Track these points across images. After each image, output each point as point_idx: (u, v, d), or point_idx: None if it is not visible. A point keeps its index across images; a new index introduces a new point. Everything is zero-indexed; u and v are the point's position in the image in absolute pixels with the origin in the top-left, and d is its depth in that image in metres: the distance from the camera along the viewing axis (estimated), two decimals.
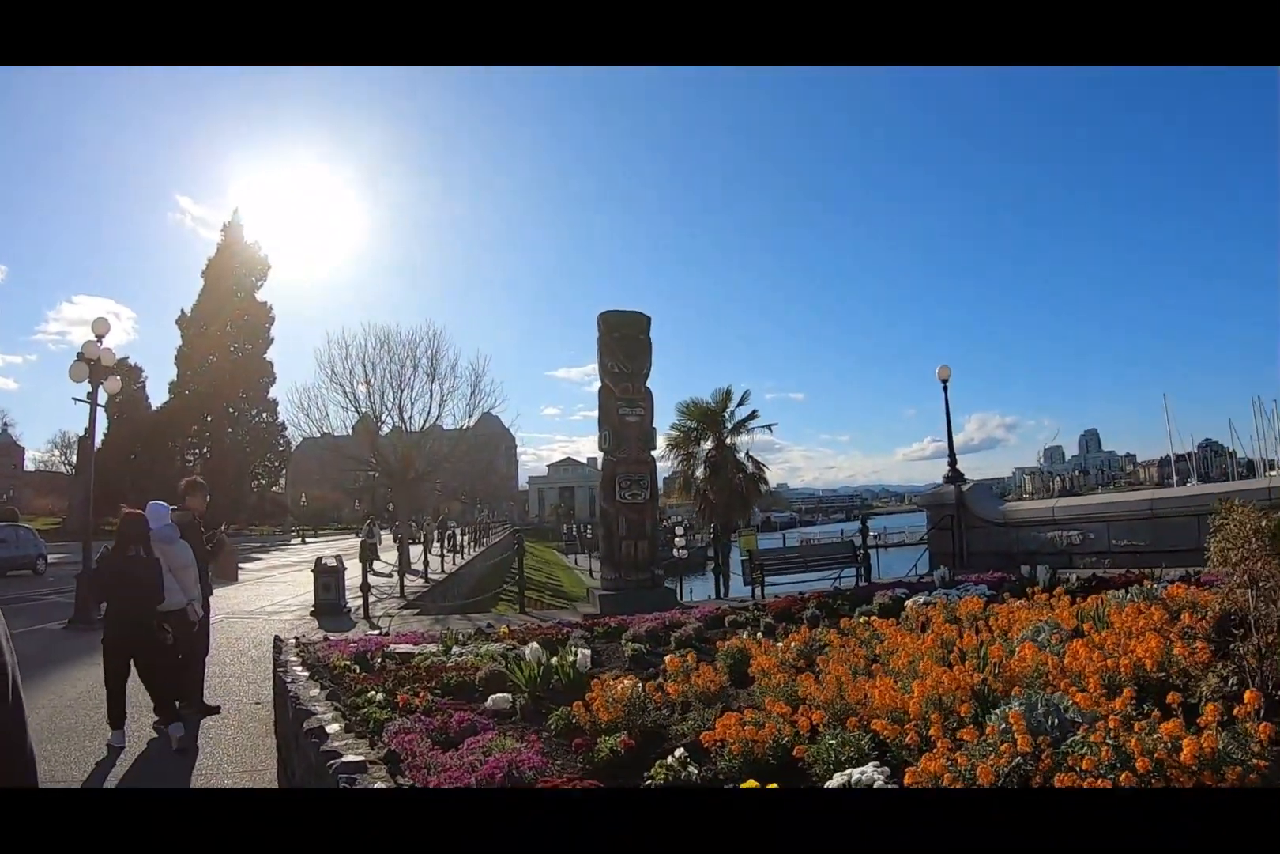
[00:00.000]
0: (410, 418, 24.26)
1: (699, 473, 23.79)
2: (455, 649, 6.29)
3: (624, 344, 13.56)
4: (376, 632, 8.50)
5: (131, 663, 6.25)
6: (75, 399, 13.68)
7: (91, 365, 13.16)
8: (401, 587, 16.12)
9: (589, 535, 61.40)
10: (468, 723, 3.42)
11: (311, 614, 12.83)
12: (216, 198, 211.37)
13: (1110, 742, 2.54)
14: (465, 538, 32.75)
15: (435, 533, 29.51)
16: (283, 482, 61.99)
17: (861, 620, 5.78)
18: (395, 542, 19.76)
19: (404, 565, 16.47)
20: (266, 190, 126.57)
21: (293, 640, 7.04)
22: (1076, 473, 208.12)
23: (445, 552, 26.70)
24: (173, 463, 51.43)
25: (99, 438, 52.32)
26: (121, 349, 57.71)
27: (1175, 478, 77.23)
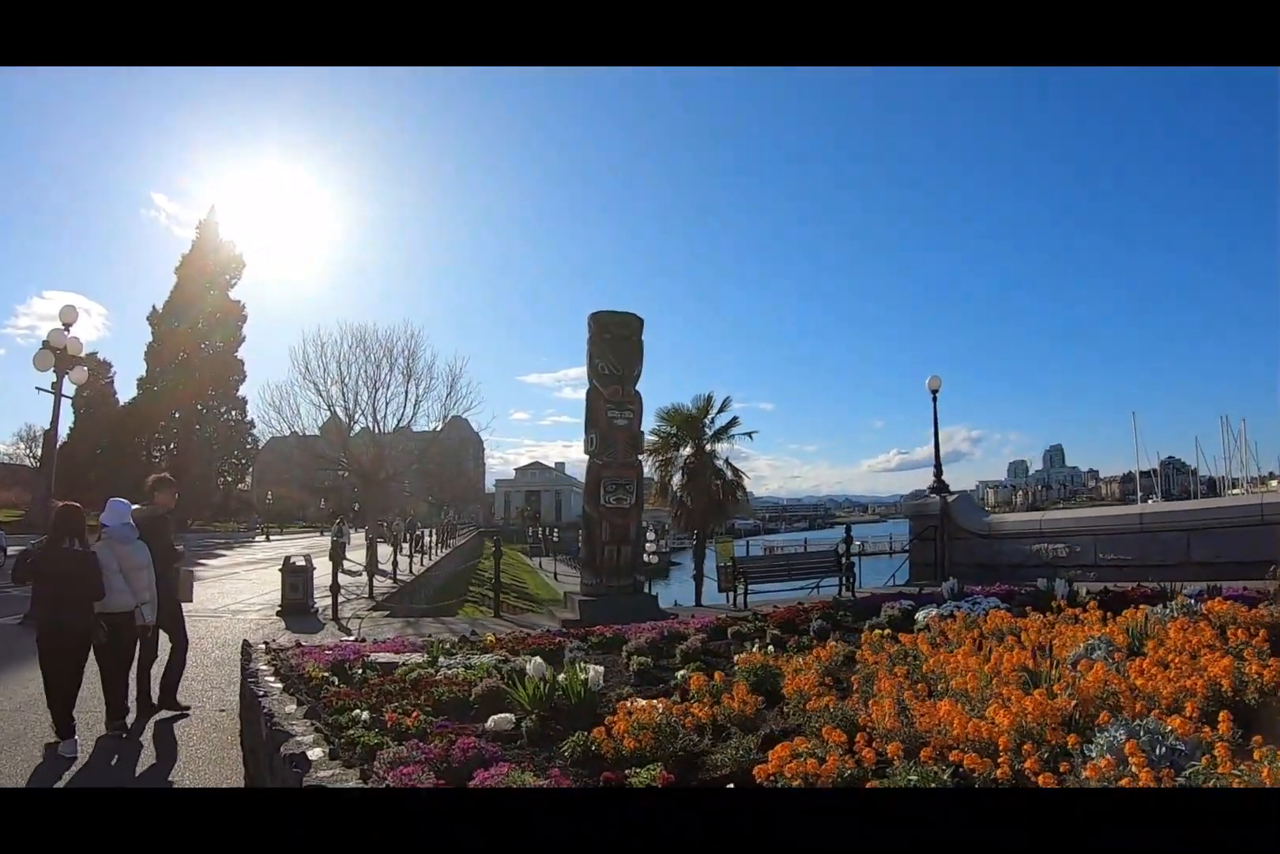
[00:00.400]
0: (384, 418, 23.70)
1: (676, 479, 23.31)
2: (442, 660, 5.82)
3: (615, 345, 13.11)
4: (351, 638, 7.99)
5: (73, 665, 5.68)
6: (39, 388, 12.98)
7: (57, 354, 12.52)
8: (371, 587, 15.53)
9: (554, 538, 60.80)
10: (473, 751, 2.95)
11: (278, 614, 12.18)
12: (192, 195, 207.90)
13: (1239, 773, 2.19)
14: (433, 539, 32.10)
15: (403, 533, 28.83)
16: (249, 479, 60.58)
17: (878, 634, 5.39)
18: (366, 541, 19.15)
19: (373, 565, 15.87)
20: (243, 188, 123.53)
21: (262, 646, 6.53)
22: (1040, 487, 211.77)
23: (413, 552, 26.07)
24: (139, 459, 49.98)
25: (65, 432, 51.49)
26: (91, 345, 56.32)
27: (1139, 494, 78.00)
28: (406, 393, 23.78)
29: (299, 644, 6.64)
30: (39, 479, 43.37)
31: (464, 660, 5.77)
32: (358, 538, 28.46)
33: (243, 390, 55.24)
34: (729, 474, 22.65)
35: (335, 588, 12.32)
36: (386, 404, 23.74)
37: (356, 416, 23.52)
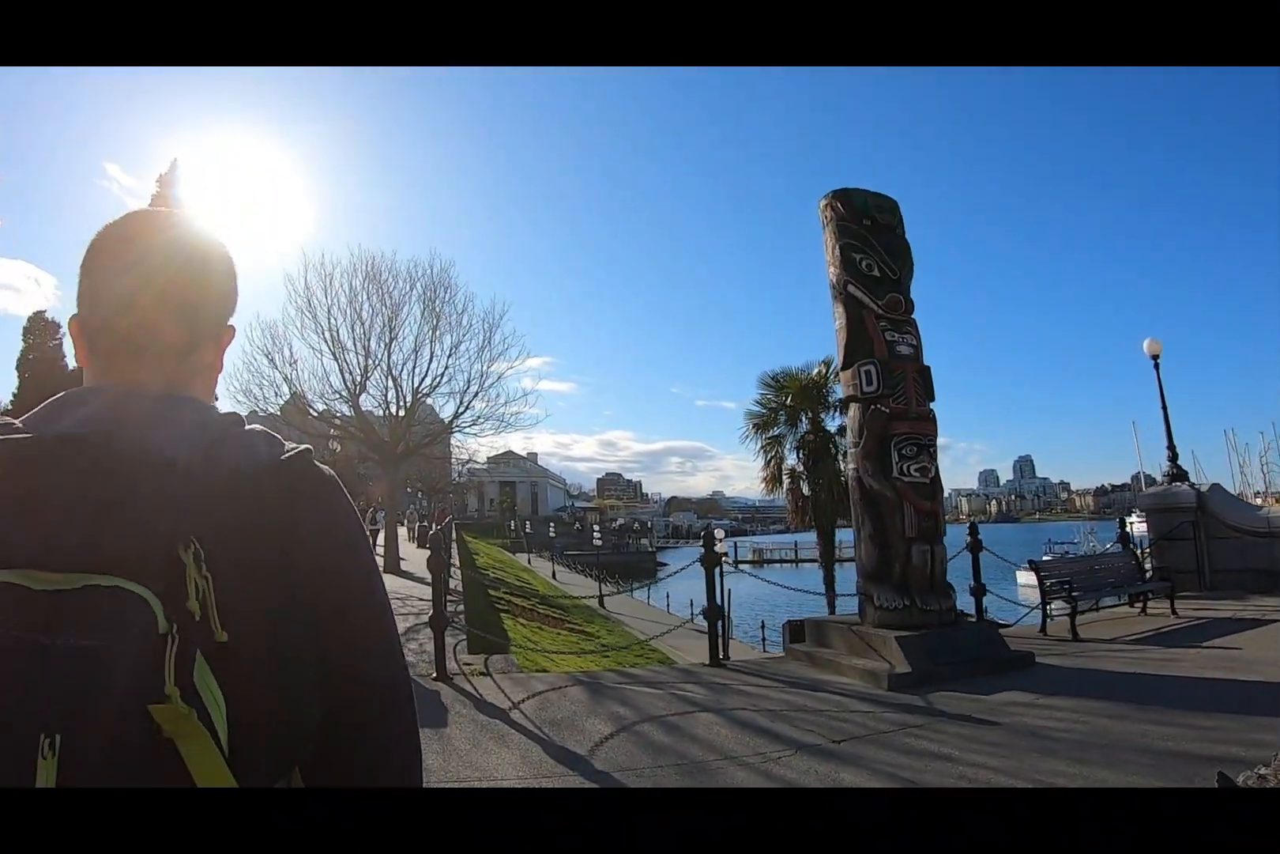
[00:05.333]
0: (405, 375, 17.94)
1: (790, 462, 18.11)
2: None
3: (882, 236, 8.08)
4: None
5: None
6: None
7: None
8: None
9: (529, 531, 56.63)
10: None
11: None
12: (147, 167, 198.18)
13: None
14: (443, 534, 26.50)
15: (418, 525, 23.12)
16: None
17: None
18: (434, 536, 13.55)
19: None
20: (204, 165, 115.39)
21: None
22: (1012, 497, 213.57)
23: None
24: None
25: (7, 398, 45.42)
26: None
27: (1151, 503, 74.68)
28: (432, 345, 17.93)
29: None
30: None
31: None
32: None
33: None
34: None
35: (441, 623, 6.87)
36: (415, 353, 17.92)
37: (371, 372, 17.63)
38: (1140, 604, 10.22)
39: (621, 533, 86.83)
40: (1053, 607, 9.23)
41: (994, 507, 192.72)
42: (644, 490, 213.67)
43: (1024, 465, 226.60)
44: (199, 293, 0.98)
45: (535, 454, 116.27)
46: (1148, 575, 10.90)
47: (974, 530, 9.56)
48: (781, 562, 61.43)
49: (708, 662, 7.48)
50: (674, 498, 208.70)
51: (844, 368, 7.92)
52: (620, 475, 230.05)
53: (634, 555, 66.36)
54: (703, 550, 7.82)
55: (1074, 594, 8.79)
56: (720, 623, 7.73)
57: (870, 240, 8.00)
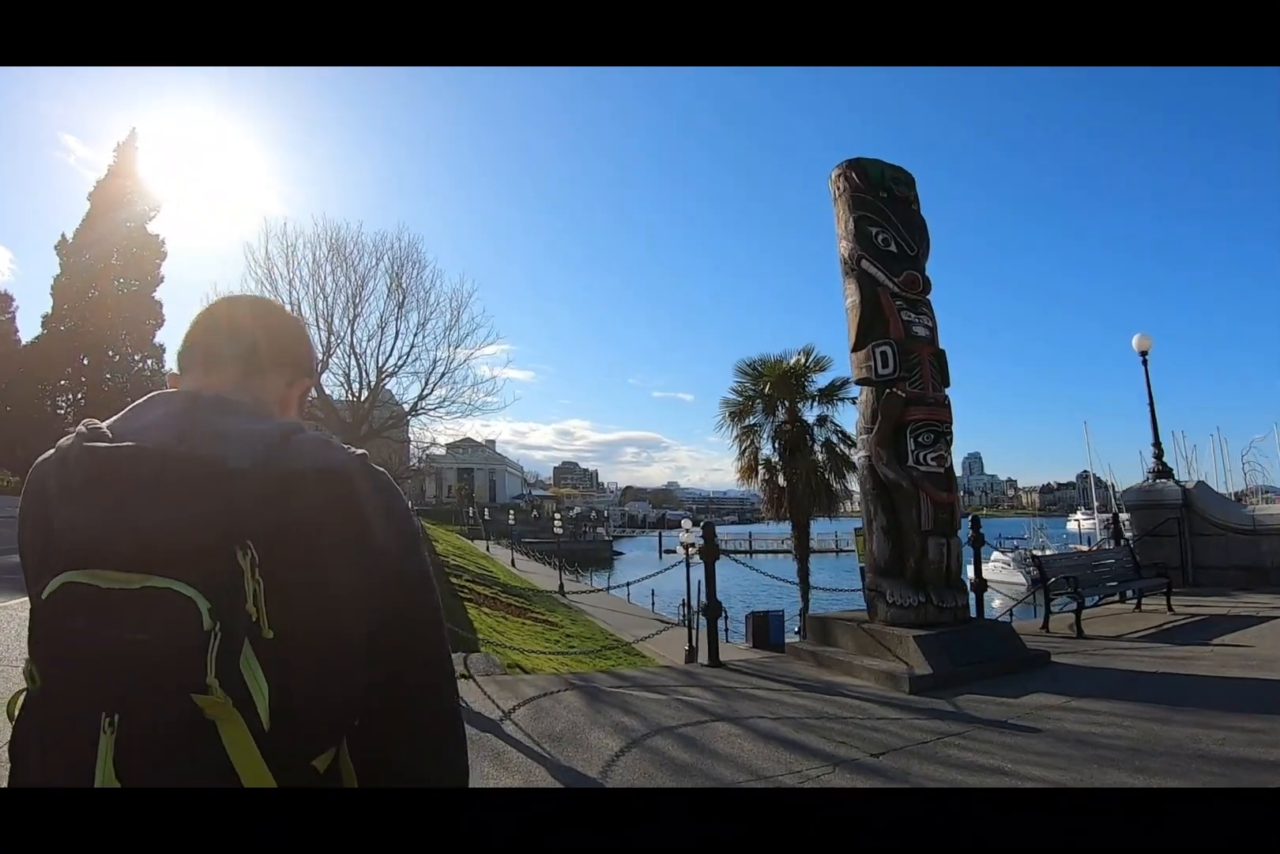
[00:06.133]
0: (369, 352, 17.16)
1: (766, 452, 17.67)
2: None
3: (899, 210, 7.58)
4: None
5: None
6: None
7: None
8: None
9: (487, 518, 56.46)
10: None
11: None
12: (105, 139, 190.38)
13: None
14: None
15: None
16: None
17: None
18: None
19: None
20: (163, 137, 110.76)
21: None
22: (961, 493, 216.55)
23: None
24: (40, 407, 42.02)
25: None
26: None
27: (1097, 505, 75.90)
28: (398, 323, 17.19)
29: None
30: None
31: None
32: None
33: (159, 337, 47.00)
34: (841, 446, 16.96)
35: None
36: (380, 330, 17.16)
37: (334, 350, 16.82)
38: (1135, 600, 10.10)
39: (578, 521, 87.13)
40: (1053, 603, 8.96)
41: None
42: (600, 480, 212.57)
43: (973, 462, 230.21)
44: (259, 330, 1.12)
45: (493, 441, 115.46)
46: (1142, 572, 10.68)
47: (976, 524, 9.16)
48: (737, 552, 61.49)
49: (707, 661, 6.94)
50: (629, 487, 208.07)
51: (855, 349, 7.40)
52: (577, 464, 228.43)
53: (591, 544, 66.99)
54: (702, 541, 7.28)
55: (1079, 590, 8.47)
56: (707, 620, 7.22)
57: (887, 213, 7.50)
